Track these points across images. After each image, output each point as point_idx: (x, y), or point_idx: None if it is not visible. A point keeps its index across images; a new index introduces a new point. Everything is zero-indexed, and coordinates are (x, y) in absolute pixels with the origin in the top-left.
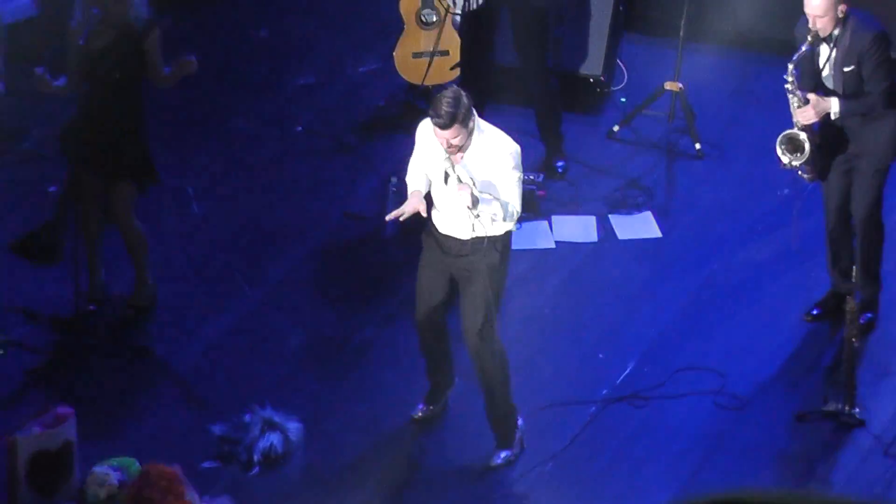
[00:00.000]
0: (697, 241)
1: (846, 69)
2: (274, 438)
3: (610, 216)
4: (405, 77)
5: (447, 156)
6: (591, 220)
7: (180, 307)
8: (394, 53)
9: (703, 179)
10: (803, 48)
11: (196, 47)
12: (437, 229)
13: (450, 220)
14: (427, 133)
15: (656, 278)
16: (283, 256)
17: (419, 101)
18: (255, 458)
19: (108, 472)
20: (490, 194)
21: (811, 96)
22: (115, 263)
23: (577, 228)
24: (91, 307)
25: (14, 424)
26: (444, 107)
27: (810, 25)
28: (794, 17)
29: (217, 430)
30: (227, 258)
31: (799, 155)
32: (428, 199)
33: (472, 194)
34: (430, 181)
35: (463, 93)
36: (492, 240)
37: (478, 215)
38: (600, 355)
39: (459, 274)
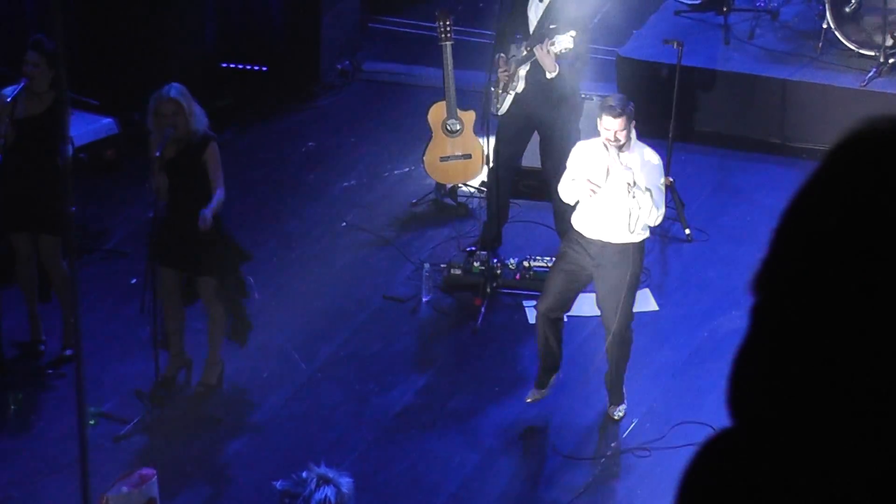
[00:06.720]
0: (689, 314)
1: None
2: (328, 491)
3: None
4: (433, 178)
5: (609, 151)
6: None
7: (246, 381)
8: (423, 158)
9: (692, 260)
10: None
11: (254, 158)
12: (582, 236)
13: (602, 223)
14: (582, 152)
15: (655, 345)
16: (332, 335)
17: (446, 199)
18: None
19: None
20: (645, 188)
21: None
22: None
23: (586, 304)
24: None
25: (105, 485)
26: (618, 101)
27: None
28: (767, 120)
29: (279, 485)
30: (283, 338)
31: None
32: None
33: (632, 176)
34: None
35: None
36: (632, 249)
37: (634, 196)
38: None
39: (603, 280)
